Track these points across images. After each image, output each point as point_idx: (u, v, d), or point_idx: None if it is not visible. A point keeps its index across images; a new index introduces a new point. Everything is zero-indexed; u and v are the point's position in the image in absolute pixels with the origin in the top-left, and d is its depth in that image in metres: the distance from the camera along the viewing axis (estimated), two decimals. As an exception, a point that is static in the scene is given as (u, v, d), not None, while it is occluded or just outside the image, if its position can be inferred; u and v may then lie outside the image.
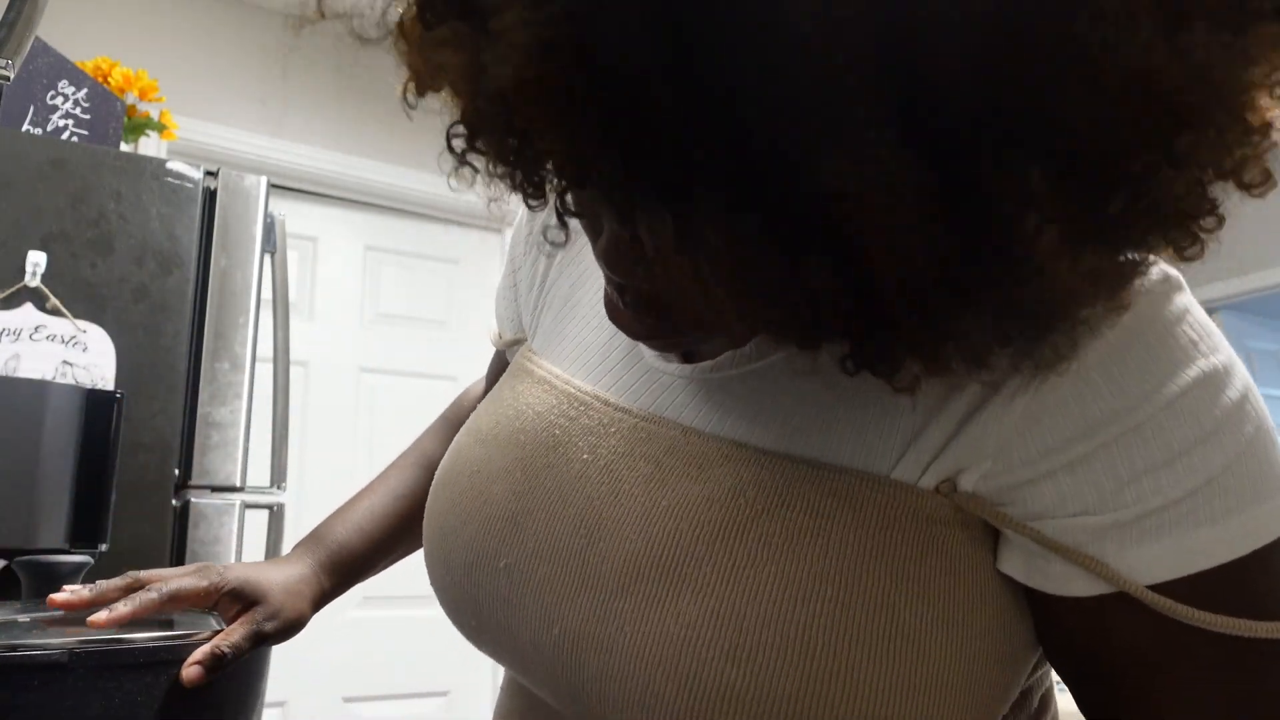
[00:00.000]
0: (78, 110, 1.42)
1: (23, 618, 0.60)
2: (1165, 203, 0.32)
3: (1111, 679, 0.43)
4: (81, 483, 0.89)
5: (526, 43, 0.30)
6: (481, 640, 0.54)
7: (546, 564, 0.48)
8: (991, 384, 0.41)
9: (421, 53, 0.39)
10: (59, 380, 1.18)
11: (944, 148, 0.27)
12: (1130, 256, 0.34)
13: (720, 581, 0.43)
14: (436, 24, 0.37)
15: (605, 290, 0.45)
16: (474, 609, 0.52)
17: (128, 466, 1.23)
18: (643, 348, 0.53)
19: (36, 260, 1.21)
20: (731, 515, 0.44)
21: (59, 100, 1.40)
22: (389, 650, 2.57)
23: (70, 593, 0.62)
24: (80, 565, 0.74)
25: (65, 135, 1.40)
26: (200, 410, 1.33)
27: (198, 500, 1.31)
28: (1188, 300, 0.42)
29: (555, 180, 0.36)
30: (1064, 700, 0.54)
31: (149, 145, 2.17)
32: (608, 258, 0.40)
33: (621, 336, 0.54)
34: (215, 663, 0.58)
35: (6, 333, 1.18)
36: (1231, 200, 0.37)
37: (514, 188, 0.39)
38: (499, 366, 0.76)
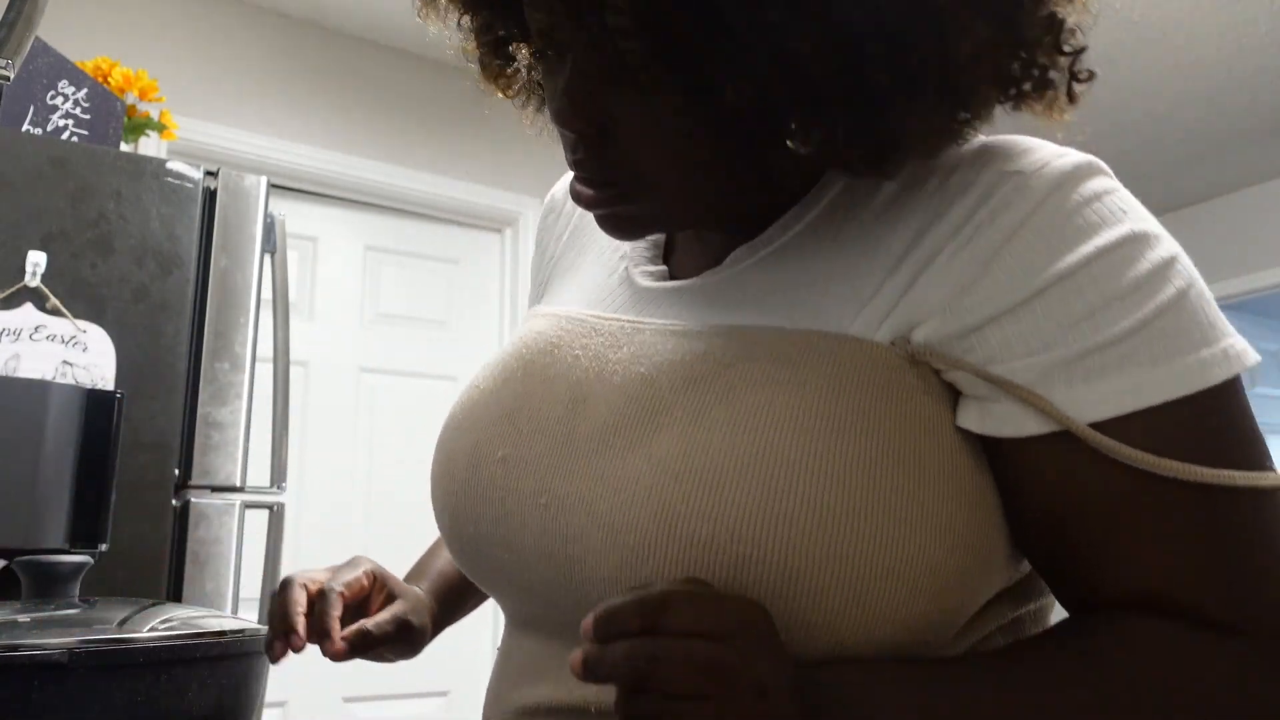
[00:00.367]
0: (78, 110, 1.42)
1: (23, 618, 0.60)
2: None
3: (1061, 528, 0.45)
4: (81, 483, 0.89)
5: None
6: (479, 554, 0.55)
7: (538, 443, 0.52)
8: (933, 245, 0.46)
9: None
10: (59, 380, 1.18)
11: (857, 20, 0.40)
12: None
13: (689, 422, 0.46)
14: None
15: (572, 182, 0.53)
16: (473, 513, 0.54)
17: (128, 466, 1.23)
18: (633, 275, 0.60)
19: (36, 260, 1.21)
20: (702, 369, 0.49)
21: (59, 100, 1.40)
22: (389, 650, 2.57)
23: (285, 646, 0.58)
24: (80, 565, 0.74)
25: (65, 135, 1.40)
26: (200, 410, 1.33)
27: (198, 500, 1.31)
28: (1114, 184, 0.47)
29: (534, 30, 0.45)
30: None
31: (149, 145, 2.17)
32: (562, 106, 0.48)
33: (615, 274, 0.61)
34: (361, 639, 0.60)
35: (6, 333, 1.18)
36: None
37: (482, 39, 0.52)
38: None
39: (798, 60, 0.41)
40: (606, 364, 0.53)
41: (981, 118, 0.46)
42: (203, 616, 0.63)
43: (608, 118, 0.48)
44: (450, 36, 0.59)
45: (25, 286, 1.20)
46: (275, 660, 0.58)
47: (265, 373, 2.31)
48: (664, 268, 0.60)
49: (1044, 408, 0.43)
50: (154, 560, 1.24)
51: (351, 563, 0.67)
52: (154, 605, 0.69)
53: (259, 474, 1.63)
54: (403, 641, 0.66)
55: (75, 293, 1.24)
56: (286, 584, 0.60)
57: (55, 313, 1.21)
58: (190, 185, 1.35)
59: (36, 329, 1.20)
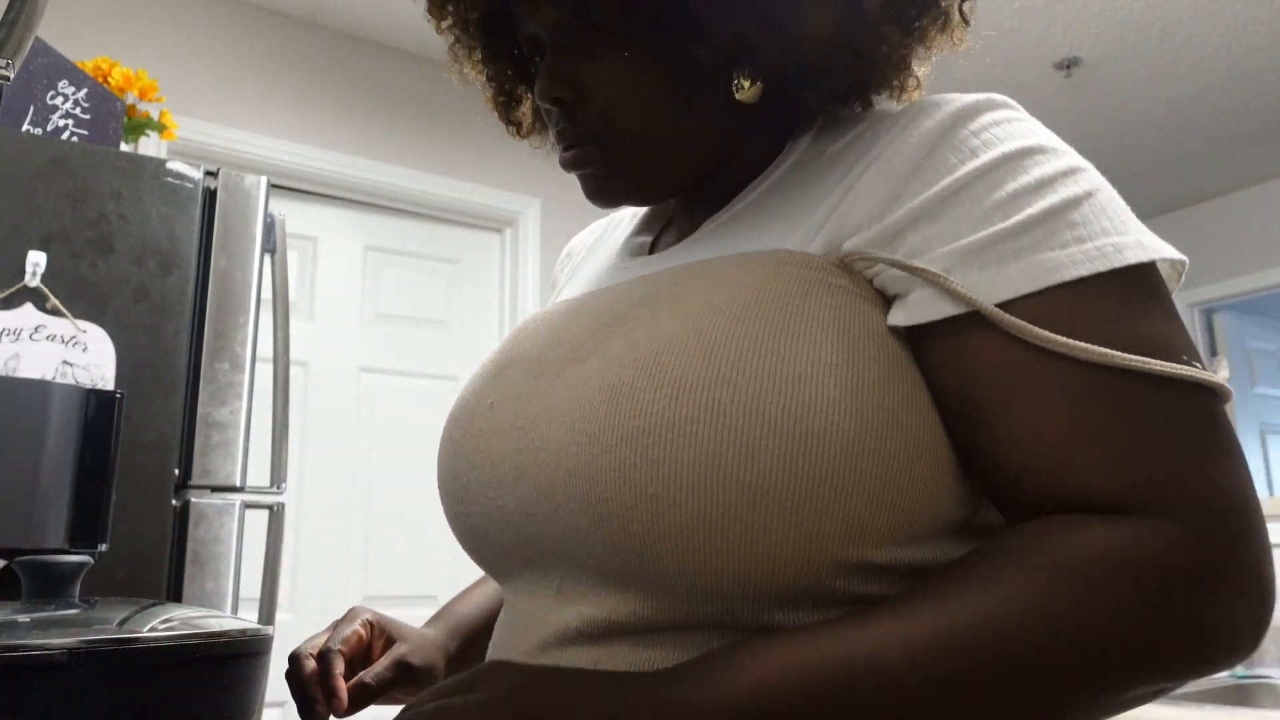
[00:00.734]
0: (78, 110, 1.42)
1: (23, 618, 0.60)
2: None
3: (969, 412, 0.47)
4: (81, 483, 0.89)
5: None
6: (471, 514, 0.58)
7: (517, 382, 0.57)
8: (860, 169, 0.52)
9: None
10: (59, 380, 1.18)
11: None
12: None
13: (639, 324, 0.51)
14: None
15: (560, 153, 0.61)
16: (466, 465, 0.58)
17: (128, 466, 1.23)
18: (619, 260, 0.67)
19: (36, 260, 1.21)
20: (655, 288, 0.54)
21: (59, 100, 1.40)
22: (389, 650, 2.57)
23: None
24: (80, 565, 0.74)
25: (65, 135, 1.40)
26: (200, 410, 1.33)
27: (198, 500, 1.31)
28: (1027, 115, 0.52)
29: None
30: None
31: (149, 145, 2.17)
32: (544, 84, 0.58)
33: (609, 262, 0.69)
34: (361, 693, 0.65)
35: (6, 333, 1.18)
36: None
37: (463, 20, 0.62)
38: None
39: (739, 13, 0.52)
40: (582, 308, 0.60)
41: (895, 63, 0.56)
42: (203, 616, 0.63)
43: (581, 85, 0.57)
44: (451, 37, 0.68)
45: (25, 286, 1.20)
46: None
47: (265, 373, 2.31)
48: (647, 240, 0.68)
49: (950, 288, 0.46)
50: (154, 560, 1.24)
51: (348, 616, 0.71)
52: (154, 605, 0.69)
53: (259, 474, 1.63)
54: (406, 682, 0.68)
55: (75, 293, 1.24)
56: (294, 659, 0.66)
57: (55, 313, 1.21)
58: (190, 185, 1.35)
59: (36, 329, 1.20)
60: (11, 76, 0.59)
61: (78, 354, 1.22)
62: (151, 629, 0.58)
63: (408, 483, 2.71)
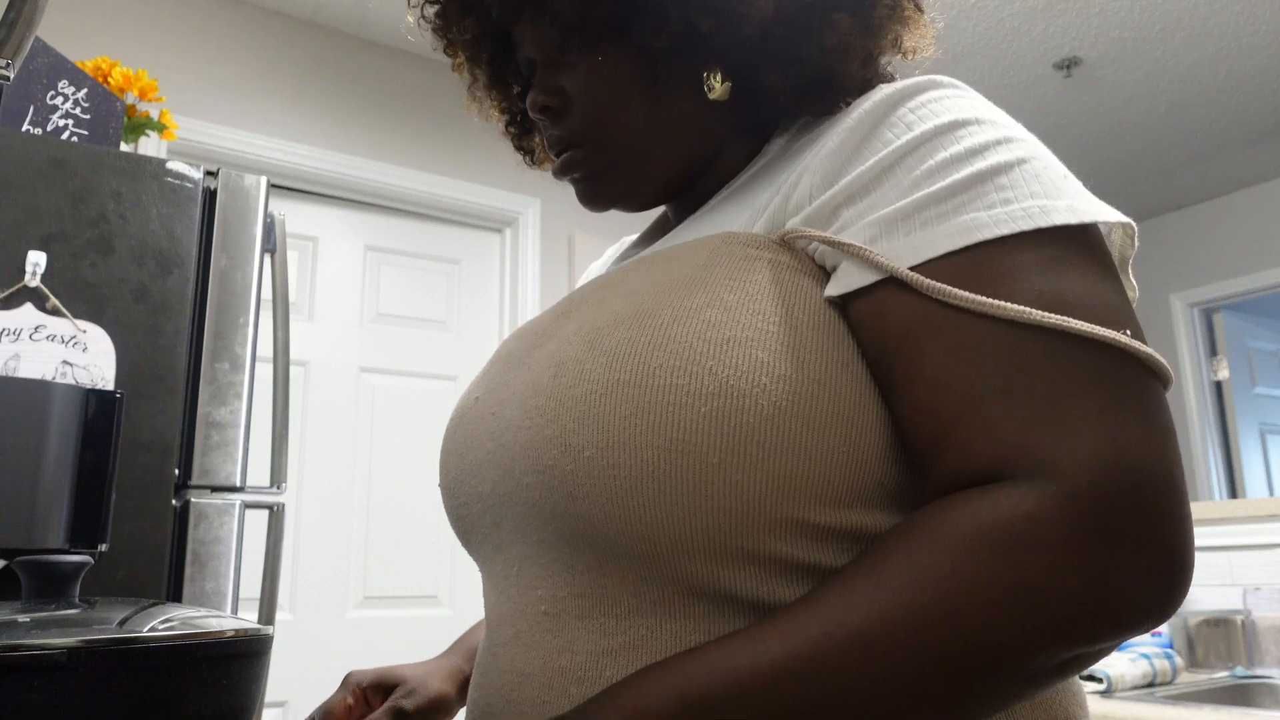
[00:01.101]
0: (78, 110, 1.42)
1: (23, 618, 0.60)
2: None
3: (888, 371, 0.47)
4: (81, 483, 0.89)
5: None
6: (462, 504, 0.60)
7: (497, 375, 0.60)
8: (809, 155, 0.53)
9: None
10: (59, 380, 1.18)
11: None
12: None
13: (590, 309, 0.54)
14: None
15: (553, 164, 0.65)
16: (455, 455, 0.61)
17: (128, 466, 1.23)
18: (613, 265, 0.70)
19: (36, 260, 1.21)
20: (613, 276, 0.57)
21: (59, 100, 1.40)
22: (389, 650, 2.57)
23: None
24: (80, 565, 0.74)
25: (65, 135, 1.40)
26: (200, 410, 1.33)
27: (198, 500, 1.31)
28: (970, 91, 0.53)
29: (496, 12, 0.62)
30: (1090, 703, 0.54)
31: (149, 145, 2.17)
32: (533, 97, 0.63)
33: (607, 265, 0.73)
34: None
35: (6, 333, 1.18)
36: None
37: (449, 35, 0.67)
38: None
39: (696, 13, 0.56)
40: (556, 308, 0.62)
41: (855, 54, 0.58)
42: (203, 616, 0.63)
43: (564, 92, 0.62)
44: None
45: (25, 286, 1.20)
46: None
47: (265, 373, 2.31)
48: (641, 250, 0.70)
49: (865, 256, 0.47)
50: (154, 560, 1.24)
51: (342, 683, 0.73)
52: (154, 605, 0.69)
53: (259, 474, 1.63)
54: None
55: (75, 293, 1.24)
56: None
57: (55, 313, 1.21)
58: (190, 185, 1.35)
59: (36, 329, 1.20)
60: (11, 76, 0.59)
61: (78, 354, 1.22)
62: (151, 629, 0.58)
63: (408, 483, 2.71)
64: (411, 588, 2.66)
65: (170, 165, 1.34)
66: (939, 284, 0.44)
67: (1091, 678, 1.60)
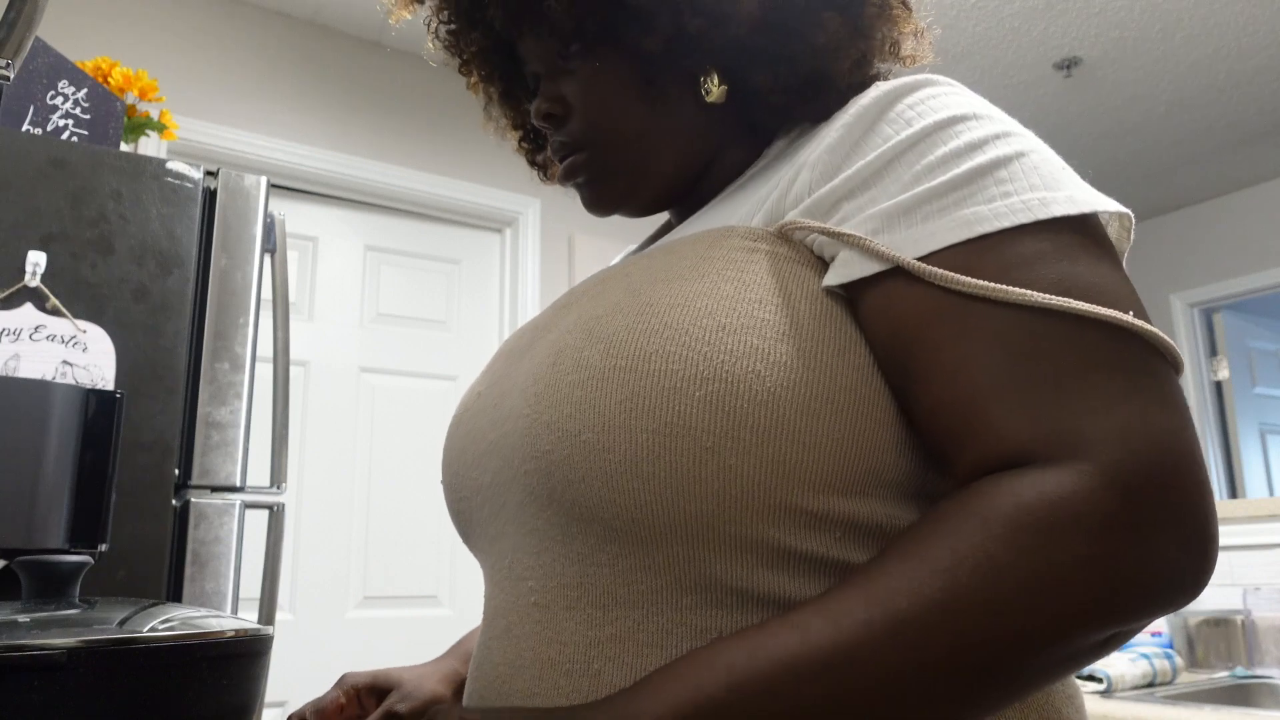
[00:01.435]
0: (78, 110, 1.42)
1: (23, 618, 0.60)
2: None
3: (902, 361, 0.47)
4: (81, 483, 0.89)
5: None
6: (464, 499, 0.61)
7: (500, 369, 0.61)
8: (808, 152, 0.53)
9: None
10: (59, 380, 1.18)
11: None
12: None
13: (590, 301, 0.55)
14: None
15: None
16: (457, 451, 0.62)
17: (128, 466, 1.23)
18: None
19: (36, 260, 1.21)
20: (613, 271, 0.58)
21: (59, 100, 1.40)
22: (389, 650, 2.57)
23: None
24: (80, 565, 0.74)
25: (65, 135, 1.40)
26: (200, 410, 1.33)
27: (198, 500, 1.31)
28: (964, 89, 0.53)
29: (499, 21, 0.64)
30: (1090, 703, 0.54)
31: (149, 145, 2.17)
32: (538, 106, 0.64)
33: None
34: None
35: (6, 333, 1.18)
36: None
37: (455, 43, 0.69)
38: None
39: (684, 14, 0.58)
40: (556, 303, 0.63)
41: (846, 54, 0.59)
42: (203, 616, 0.63)
43: (566, 100, 0.64)
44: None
45: (25, 286, 1.20)
46: None
47: (265, 373, 2.30)
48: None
49: (869, 247, 0.47)
50: (154, 560, 1.24)
51: (337, 683, 0.73)
52: (154, 605, 0.69)
53: (259, 474, 1.63)
54: None
55: (75, 293, 1.24)
56: None
57: (55, 313, 1.21)
58: (190, 185, 1.35)
59: (36, 329, 1.20)
60: (11, 76, 0.59)
61: (78, 354, 1.22)
62: (151, 629, 0.58)
63: (408, 483, 2.71)
64: (411, 588, 2.66)
65: (170, 165, 1.34)
66: (954, 274, 0.45)
67: (1091, 678, 1.60)
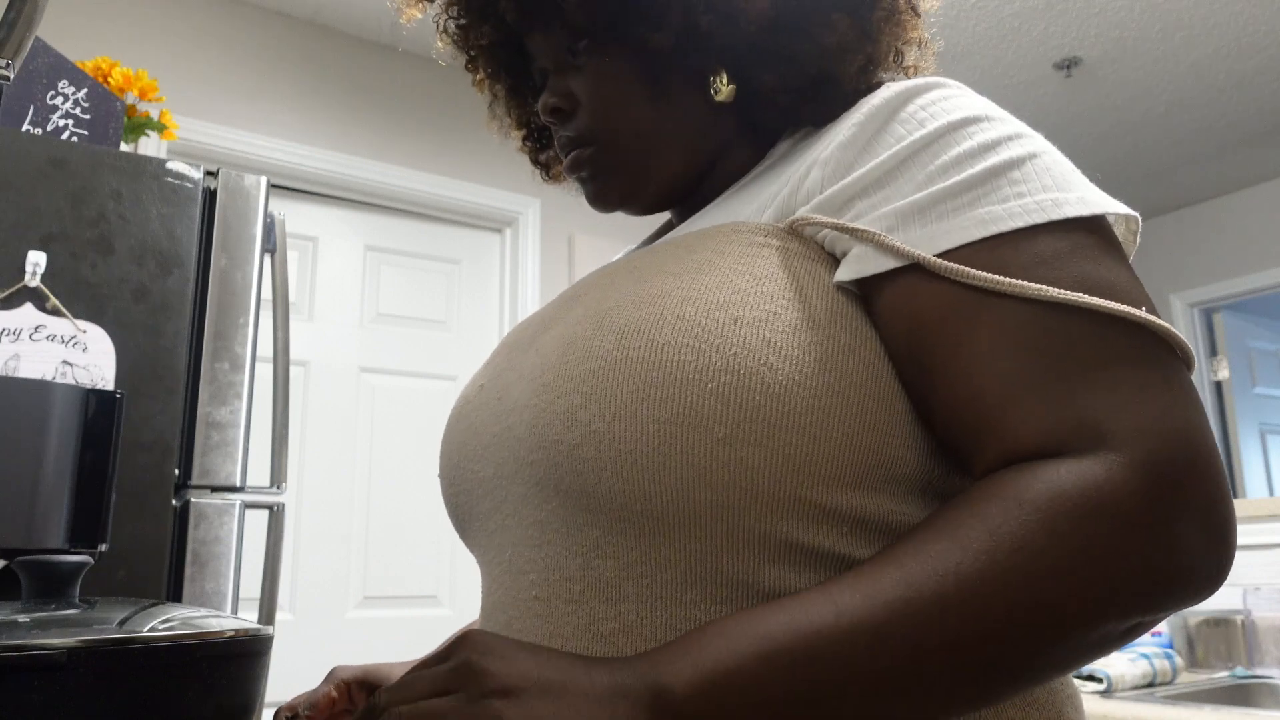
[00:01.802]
0: (78, 110, 1.42)
1: (23, 618, 0.60)
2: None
3: (921, 357, 0.47)
4: (81, 483, 0.89)
5: None
6: (462, 493, 0.61)
7: (502, 362, 0.61)
8: (819, 149, 0.54)
9: None
10: (59, 380, 1.18)
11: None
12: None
13: (598, 293, 0.55)
14: None
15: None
16: (456, 444, 0.62)
17: (128, 466, 1.23)
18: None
19: (36, 260, 1.21)
20: (619, 266, 0.58)
21: (59, 100, 1.40)
22: (389, 650, 2.57)
23: None
24: (80, 565, 0.74)
25: (65, 135, 1.40)
26: (200, 410, 1.33)
27: (198, 500, 1.31)
28: (973, 93, 0.54)
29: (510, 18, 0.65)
30: (1090, 703, 0.54)
31: (149, 145, 2.17)
32: (544, 101, 0.65)
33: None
34: None
35: (6, 333, 1.18)
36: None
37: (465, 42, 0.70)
38: None
39: (695, 10, 0.58)
40: (560, 297, 0.63)
41: (854, 55, 0.59)
42: (203, 616, 0.63)
43: (573, 94, 0.64)
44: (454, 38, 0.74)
45: (25, 286, 1.20)
46: None
47: (265, 373, 2.30)
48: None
49: (885, 243, 0.48)
50: (154, 560, 1.24)
51: (327, 677, 0.73)
52: (154, 605, 0.69)
53: (259, 474, 1.63)
54: None
55: (75, 293, 1.24)
56: None
57: (55, 313, 1.21)
58: (190, 185, 1.35)
59: (36, 329, 1.20)
60: (11, 76, 0.59)
61: (78, 354, 1.22)
62: (151, 629, 0.58)
63: (408, 483, 2.71)
64: (411, 588, 2.66)
65: (170, 165, 1.34)
66: (972, 270, 0.45)
67: (1091, 678, 1.60)
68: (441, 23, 0.71)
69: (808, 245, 0.52)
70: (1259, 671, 1.78)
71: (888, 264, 0.48)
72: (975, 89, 0.56)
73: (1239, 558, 1.92)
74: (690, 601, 0.48)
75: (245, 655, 0.63)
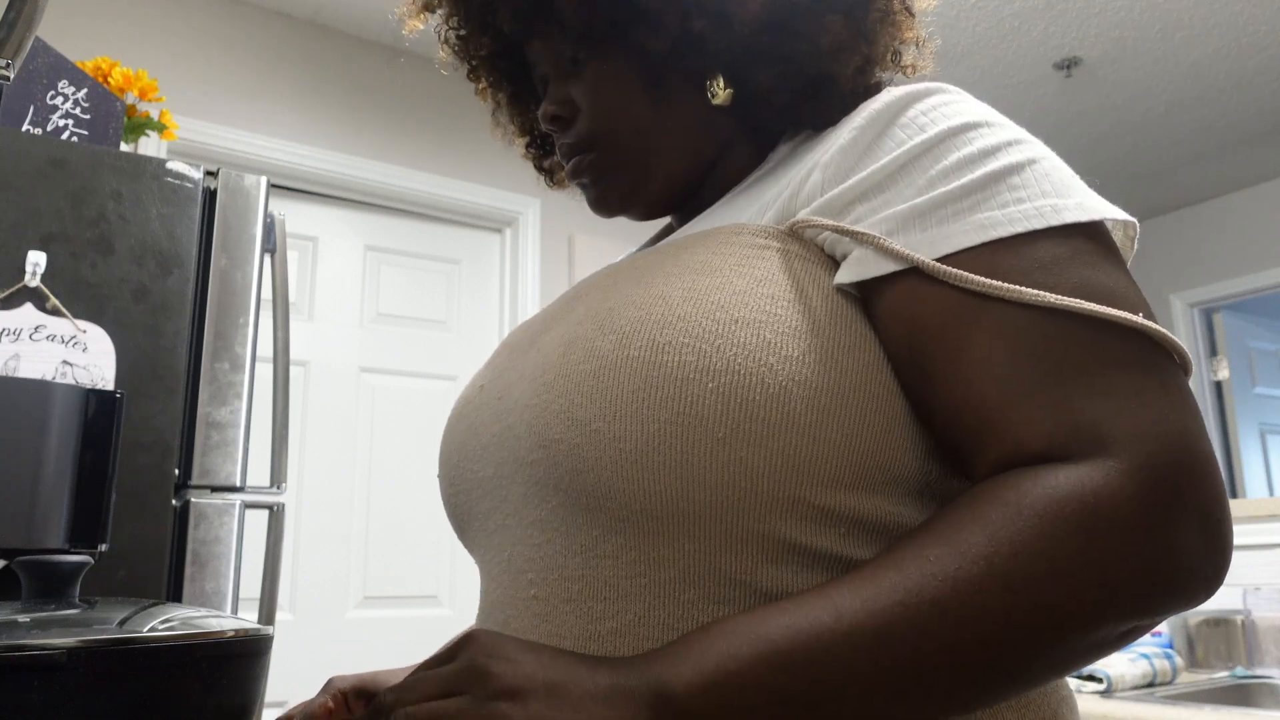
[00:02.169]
0: (78, 110, 1.42)
1: (23, 618, 0.60)
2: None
3: (920, 360, 0.48)
4: (81, 483, 0.89)
5: None
6: (462, 494, 0.61)
7: (503, 362, 0.62)
8: (819, 152, 0.54)
9: None
10: (59, 380, 1.18)
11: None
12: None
13: (600, 294, 0.55)
14: None
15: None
16: (456, 445, 0.62)
17: (128, 466, 1.23)
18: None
19: (36, 260, 1.21)
20: (622, 267, 0.58)
21: (59, 100, 1.40)
22: (389, 650, 2.57)
23: None
24: (80, 565, 0.74)
25: (65, 135, 1.40)
26: (200, 410, 1.33)
27: (198, 500, 1.31)
28: (972, 98, 0.54)
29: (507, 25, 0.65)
30: (1083, 702, 0.54)
31: (149, 145, 2.17)
32: (545, 109, 0.66)
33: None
34: None
35: (6, 333, 1.18)
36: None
37: (465, 51, 0.71)
38: None
39: (690, 14, 0.59)
40: (561, 298, 0.64)
41: (849, 56, 0.60)
42: (203, 616, 0.63)
43: (573, 101, 0.65)
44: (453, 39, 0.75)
45: (25, 286, 1.20)
46: None
47: (265, 373, 2.30)
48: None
49: (885, 246, 0.48)
50: (154, 560, 1.24)
51: (324, 687, 0.73)
52: (154, 605, 0.69)
53: (259, 474, 1.63)
54: None
55: (75, 293, 1.24)
56: None
57: (55, 313, 1.21)
58: (190, 185, 1.35)
59: (36, 329, 1.20)
60: (11, 76, 0.59)
61: (78, 354, 1.22)
62: (151, 629, 0.58)
63: (408, 483, 2.71)
64: (411, 588, 2.66)
65: (170, 165, 1.34)
66: (971, 275, 0.46)
67: (1091, 678, 1.60)
68: (443, 33, 0.72)
69: (808, 248, 0.52)
70: (1259, 671, 1.78)
71: (888, 267, 0.48)
72: (975, 89, 0.56)
73: (1239, 558, 1.92)
74: (689, 601, 0.48)
75: (245, 655, 0.63)
